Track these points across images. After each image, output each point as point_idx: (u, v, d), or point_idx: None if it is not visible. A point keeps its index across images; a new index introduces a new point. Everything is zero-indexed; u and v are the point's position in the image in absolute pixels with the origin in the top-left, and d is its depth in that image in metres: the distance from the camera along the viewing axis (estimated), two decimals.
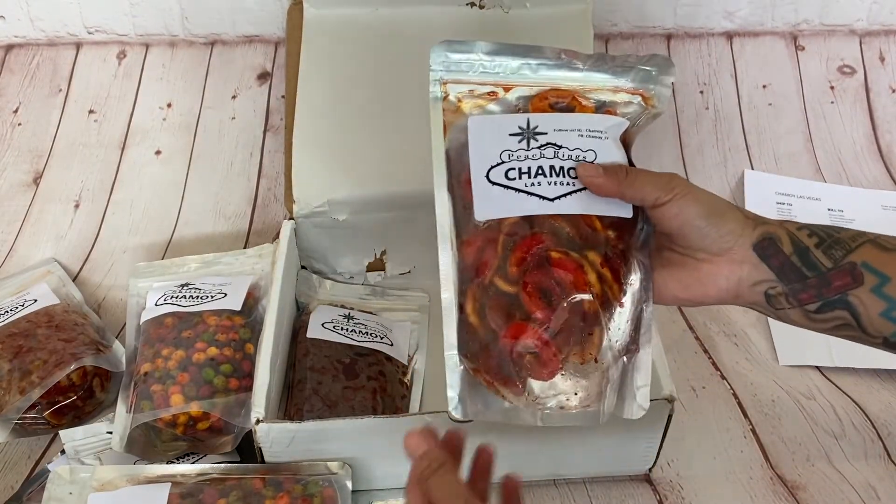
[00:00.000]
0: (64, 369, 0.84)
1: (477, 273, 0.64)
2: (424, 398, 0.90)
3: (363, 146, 1.01)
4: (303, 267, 1.05)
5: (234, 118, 1.23)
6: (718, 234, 0.62)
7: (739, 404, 0.92)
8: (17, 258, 1.11)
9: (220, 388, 0.81)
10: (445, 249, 0.65)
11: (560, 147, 0.66)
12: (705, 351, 0.99)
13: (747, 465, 0.85)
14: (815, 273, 0.60)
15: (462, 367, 0.63)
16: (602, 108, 0.69)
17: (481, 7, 1.07)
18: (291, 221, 0.99)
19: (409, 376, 0.91)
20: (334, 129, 1.01)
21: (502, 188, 0.64)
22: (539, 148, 0.66)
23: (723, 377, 0.95)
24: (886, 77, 1.29)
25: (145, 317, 0.91)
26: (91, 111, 1.23)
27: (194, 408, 0.79)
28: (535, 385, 0.63)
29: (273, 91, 1.25)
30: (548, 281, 0.62)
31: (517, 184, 0.64)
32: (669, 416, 0.78)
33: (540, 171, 0.64)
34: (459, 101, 0.69)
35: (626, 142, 0.68)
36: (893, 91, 1.28)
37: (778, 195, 1.19)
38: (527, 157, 0.65)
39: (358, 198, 0.99)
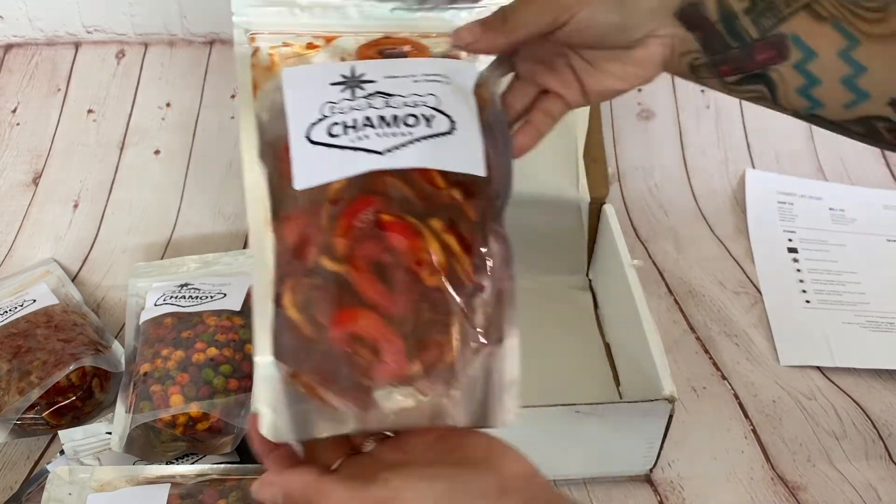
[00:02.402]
0: (63, 370, 0.84)
1: (297, 255, 0.51)
2: None
3: None
4: None
5: (233, 117, 1.23)
6: (638, 21, 0.55)
7: (740, 405, 0.92)
8: (16, 258, 1.10)
9: (220, 388, 0.81)
10: (257, 231, 0.53)
11: (391, 95, 0.54)
12: (706, 351, 0.99)
13: (748, 466, 0.85)
14: (739, 44, 0.54)
15: (279, 374, 0.50)
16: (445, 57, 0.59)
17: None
18: None
19: None
20: None
21: (325, 147, 0.52)
22: (366, 97, 0.54)
23: (723, 377, 0.95)
24: None
25: (145, 317, 0.90)
26: (90, 111, 1.23)
27: (194, 408, 0.79)
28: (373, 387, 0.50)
29: None
30: (383, 253, 0.50)
31: (342, 140, 0.52)
32: (670, 417, 0.78)
33: (367, 122, 0.53)
34: (272, 55, 0.58)
35: (482, 98, 0.57)
36: None
37: (779, 194, 1.20)
38: (352, 109, 0.53)
39: None
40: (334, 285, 0.50)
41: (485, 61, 0.60)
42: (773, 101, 0.56)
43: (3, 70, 1.24)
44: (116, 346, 0.94)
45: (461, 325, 0.51)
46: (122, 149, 1.21)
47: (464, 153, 0.53)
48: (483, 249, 0.54)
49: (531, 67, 0.60)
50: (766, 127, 1.27)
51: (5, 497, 0.80)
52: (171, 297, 0.91)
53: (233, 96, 1.24)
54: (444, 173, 0.53)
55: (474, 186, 0.54)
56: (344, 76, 0.54)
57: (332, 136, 0.52)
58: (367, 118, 0.53)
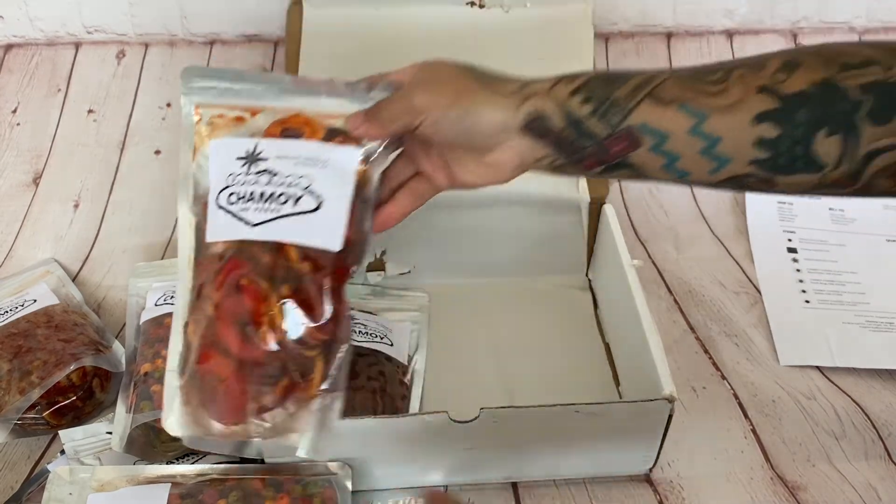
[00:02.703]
0: (64, 369, 0.84)
1: (198, 294, 0.64)
2: (424, 398, 0.90)
3: None
4: None
5: None
6: (483, 132, 0.60)
7: (740, 404, 0.92)
8: (16, 258, 1.11)
9: None
10: (182, 267, 0.67)
11: (275, 174, 0.64)
12: (705, 351, 0.99)
13: (748, 466, 0.85)
14: (591, 142, 0.57)
15: (174, 383, 0.65)
16: (334, 135, 0.66)
17: (481, 6, 1.07)
18: None
19: (408, 376, 0.91)
20: None
21: (224, 211, 0.64)
22: (257, 174, 0.64)
23: (723, 377, 0.95)
24: None
25: (145, 317, 0.90)
26: (90, 111, 1.23)
27: None
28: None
29: None
30: (239, 310, 0.61)
31: (233, 208, 0.64)
32: (670, 417, 0.78)
33: (250, 196, 0.63)
34: (211, 124, 0.68)
35: (364, 177, 0.65)
36: None
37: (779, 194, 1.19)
38: (245, 182, 0.64)
39: None
40: (208, 327, 0.62)
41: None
42: (644, 177, 0.59)
43: (4, 70, 1.24)
44: (117, 346, 0.94)
45: (290, 379, 0.62)
46: (122, 149, 1.21)
47: (322, 230, 0.63)
48: (324, 313, 0.62)
49: (413, 148, 0.66)
50: None
51: (6, 497, 0.80)
52: (172, 296, 0.91)
53: None
54: (298, 247, 0.62)
55: (324, 259, 0.63)
56: (247, 152, 0.65)
57: (229, 203, 0.64)
58: (251, 193, 0.63)
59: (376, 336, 0.92)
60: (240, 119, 0.68)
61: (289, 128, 0.66)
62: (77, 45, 1.26)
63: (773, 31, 1.29)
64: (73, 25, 1.24)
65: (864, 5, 1.28)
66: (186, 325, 0.65)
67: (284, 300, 0.61)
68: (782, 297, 1.06)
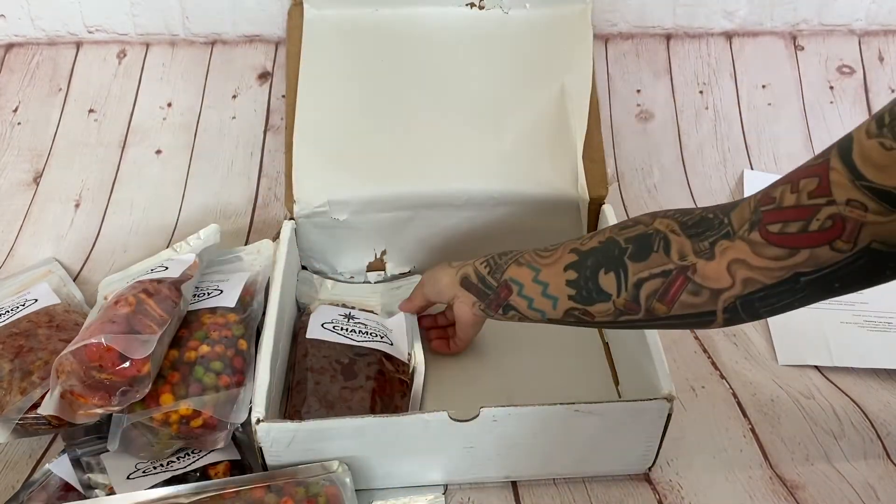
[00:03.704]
0: None
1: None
2: (425, 397, 0.91)
3: (363, 146, 1.01)
4: (303, 267, 1.05)
5: (234, 118, 1.24)
6: (442, 292, 0.92)
7: (739, 404, 0.92)
8: (17, 258, 1.11)
9: (211, 385, 0.81)
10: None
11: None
12: (704, 350, 0.99)
13: (747, 465, 0.85)
14: (491, 291, 0.85)
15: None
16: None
17: (481, 7, 1.07)
18: (292, 221, 0.99)
19: (408, 375, 0.91)
20: (335, 129, 1.01)
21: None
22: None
23: (722, 377, 0.95)
24: (885, 77, 1.29)
25: None
26: (91, 110, 1.23)
27: (183, 406, 0.79)
28: None
29: (273, 91, 1.25)
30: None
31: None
32: (669, 416, 0.78)
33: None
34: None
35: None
36: (893, 91, 1.29)
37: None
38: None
39: (358, 198, 0.99)
40: None
41: None
42: (525, 319, 0.83)
43: (5, 69, 1.25)
44: None
45: None
46: (123, 148, 1.21)
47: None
48: None
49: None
50: (764, 128, 1.27)
51: (7, 496, 0.80)
52: None
53: (234, 96, 1.24)
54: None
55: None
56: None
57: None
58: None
59: (376, 335, 0.93)
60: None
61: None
62: (78, 45, 1.26)
63: (772, 33, 1.30)
64: (74, 25, 1.24)
65: (863, 7, 1.28)
66: None
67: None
68: None
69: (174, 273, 0.91)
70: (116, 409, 0.76)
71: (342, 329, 0.93)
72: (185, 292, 0.88)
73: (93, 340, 0.75)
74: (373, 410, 0.84)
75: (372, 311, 1.00)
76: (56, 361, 0.76)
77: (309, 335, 0.91)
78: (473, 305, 0.88)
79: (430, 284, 0.94)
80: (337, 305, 0.99)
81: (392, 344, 0.93)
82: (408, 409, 0.88)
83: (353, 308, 0.99)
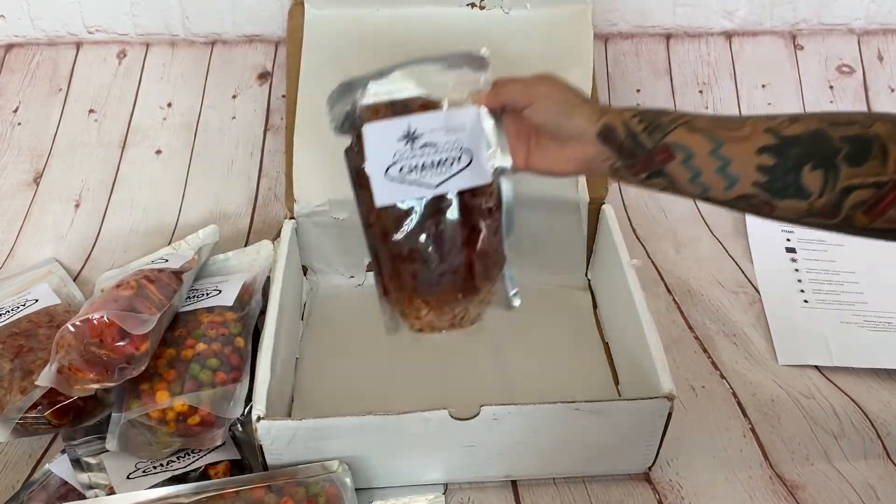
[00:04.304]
0: None
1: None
2: (424, 397, 0.89)
3: None
4: (303, 266, 1.05)
5: (234, 118, 1.24)
6: (570, 127, 0.76)
7: (739, 404, 0.92)
8: (17, 258, 1.11)
9: (207, 382, 0.81)
10: None
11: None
12: (704, 350, 0.99)
13: (746, 465, 0.85)
14: (642, 151, 0.73)
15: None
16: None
17: (481, 7, 1.07)
18: (292, 221, 0.99)
19: (495, 197, 0.80)
20: None
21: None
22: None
23: (722, 377, 0.95)
24: (885, 76, 1.29)
25: None
26: (91, 110, 1.23)
27: (178, 402, 0.79)
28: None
29: (273, 91, 1.25)
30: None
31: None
32: (669, 415, 0.78)
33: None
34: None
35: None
36: (892, 90, 1.29)
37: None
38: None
39: None
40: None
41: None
42: (675, 189, 0.74)
43: (5, 70, 1.25)
44: None
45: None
46: (123, 149, 1.21)
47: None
48: None
49: (507, 123, 0.80)
50: None
51: (7, 496, 0.80)
52: None
53: (234, 96, 1.24)
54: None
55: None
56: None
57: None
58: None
59: (452, 158, 0.79)
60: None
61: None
62: (78, 45, 1.26)
63: (771, 33, 1.30)
64: (74, 25, 1.25)
65: (862, 7, 1.28)
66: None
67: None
68: (781, 296, 1.06)
69: (174, 265, 0.93)
70: (112, 384, 0.79)
71: (411, 169, 0.78)
72: (185, 280, 0.91)
73: (95, 315, 0.78)
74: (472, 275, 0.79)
75: (430, 102, 0.80)
76: (57, 335, 0.78)
77: (379, 201, 0.78)
78: (603, 161, 0.75)
79: (550, 105, 0.77)
80: (387, 113, 0.79)
81: (471, 160, 0.79)
82: (502, 246, 0.81)
83: (410, 114, 0.79)
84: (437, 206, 0.78)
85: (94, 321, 0.78)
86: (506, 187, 0.80)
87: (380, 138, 0.77)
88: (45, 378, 0.78)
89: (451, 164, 0.78)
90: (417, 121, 0.77)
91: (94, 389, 0.79)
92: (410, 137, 0.77)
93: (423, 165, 0.77)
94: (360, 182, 0.79)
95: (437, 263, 0.78)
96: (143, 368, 0.79)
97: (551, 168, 0.79)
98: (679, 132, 0.72)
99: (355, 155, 0.79)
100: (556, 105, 0.77)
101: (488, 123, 0.78)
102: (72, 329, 0.78)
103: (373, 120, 0.78)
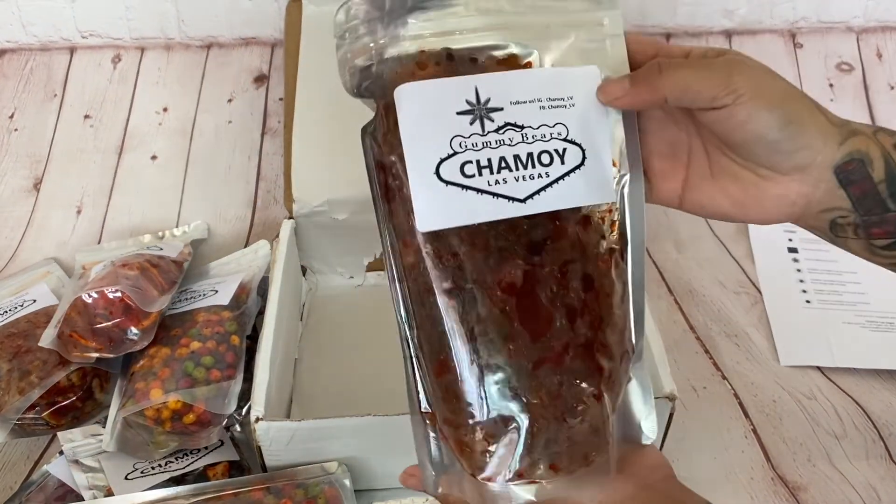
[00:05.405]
0: (63, 370, 0.84)
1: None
2: None
3: None
4: (303, 267, 1.05)
5: (230, 122, 1.23)
6: (793, 149, 0.47)
7: (740, 404, 0.92)
8: (19, 262, 1.11)
9: (201, 379, 0.81)
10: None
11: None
12: (706, 351, 0.99)
13: (748, 466, 0.85)
14: None
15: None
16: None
17: None
18: (291, 221, 0.99)
19: (616, 228, 0.56)
20: (334, 128, 1.01)
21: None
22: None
23: (724, 377, 0.95)
24: (884, 74, 1.29)
25: None
26: (87, 116, 1.23)
27: (172, 398, 0.79)
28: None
29: (270, 94, 1.25)
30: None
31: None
32: (670, 416, 0.77)
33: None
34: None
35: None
36: (892, 88, 1.29)
37: None
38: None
39: (358, 197, 0.99)
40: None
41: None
42: None
43: None
44: None
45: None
46: (120, 154, 1.21)
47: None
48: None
49: (650, 124, 0.52)
50: None
51: (5, 497, 0.79)
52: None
53: (230, 100, 1.24)
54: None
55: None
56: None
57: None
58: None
59: (553, 150, 0.50)
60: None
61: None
62: (72, 50, 1.26)
63: (771, 32, 1.30)
64: (67, 30, 1.24)
65: (861, 5, 1.28)
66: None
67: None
68: (783, 296, 1.06)
69: (171, 253, 0.97)
70: (111, 355, 0.83)
71: (482, 168, 0.48)
72: (184, 271, 0.96)
73: (111, 289, 0.84)
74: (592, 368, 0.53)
75: (513, 56, 0.50)
76: (73, 300, 0.84)
77: (424, 223, 0.48)
78: (825, 212, 0.49)
79: (763, 109, 0.47)
80: (440, 70, 0.49)
81: (583, 159, 0.50)
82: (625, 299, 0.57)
83: (482, 71, 0.49)
84: (527, 236, 0.48)
85: (109, 294, 0.84)
86: (636, 219, 0.53)
87: (427, 111, 0.47)
88: (47, 339, 0.83)
89: (551, 162, 0.48)
90: (493, 83, 0.48)
91: (94, 358, 0.83)
92: (481, 112, 0.47)
93: (502, 162, 0.47)
94: (387, 188, 0.49)
95: (529, 348, 0.47)
96: (145, 345, 0.84)
97: (733, 213, 0.52)
98: None
99: (380, 139, 0.49)
100: (774, 112, 0.47)
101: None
102: (87, 299, 0.83)
103: (415, 78, 0.48)
